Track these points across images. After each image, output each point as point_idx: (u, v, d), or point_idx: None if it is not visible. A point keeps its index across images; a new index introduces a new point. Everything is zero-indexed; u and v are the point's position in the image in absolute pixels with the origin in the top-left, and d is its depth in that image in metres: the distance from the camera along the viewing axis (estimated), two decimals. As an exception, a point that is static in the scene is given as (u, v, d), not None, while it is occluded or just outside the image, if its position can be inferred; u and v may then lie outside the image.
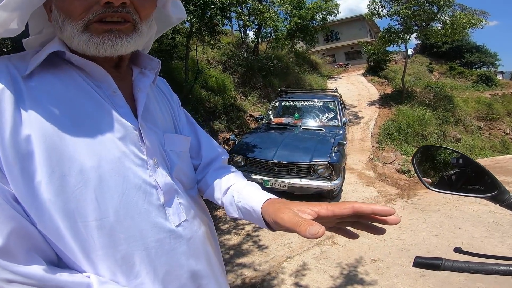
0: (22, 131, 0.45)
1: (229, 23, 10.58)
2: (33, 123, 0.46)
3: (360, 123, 8.25)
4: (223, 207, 0.70)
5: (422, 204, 3.82)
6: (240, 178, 0.71)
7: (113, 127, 0.52)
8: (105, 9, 0.47)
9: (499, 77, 21.28)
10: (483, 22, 9.43)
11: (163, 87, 0.73)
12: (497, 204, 0.63)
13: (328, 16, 16.41)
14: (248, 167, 3.78)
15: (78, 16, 0.48)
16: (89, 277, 0.49)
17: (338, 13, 16.77)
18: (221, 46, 5.31)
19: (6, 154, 0.44)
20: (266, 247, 2.94)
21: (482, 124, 10.72)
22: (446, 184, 0.75)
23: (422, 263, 0.63)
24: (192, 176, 0.71)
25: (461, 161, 0.75)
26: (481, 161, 7.55)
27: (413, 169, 0.87)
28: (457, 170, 0.76)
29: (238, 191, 0.65)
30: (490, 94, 13.30)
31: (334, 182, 3.48)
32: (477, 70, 21.24)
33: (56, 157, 0.46)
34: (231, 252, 2.88)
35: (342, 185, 4.27)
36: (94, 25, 0.48)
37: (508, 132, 10.93)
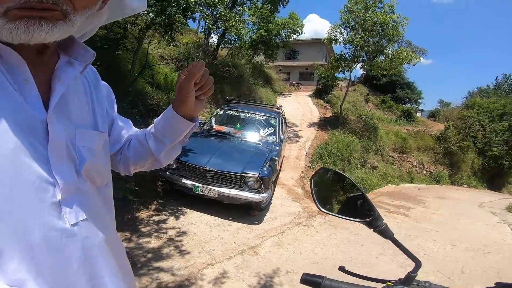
0: None
1: (196, 23, 10.34)
2: None
3: (298, 142, 8.74)
4: (153, 156, 0.75)
5: (336, 221, 4.17)
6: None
7: (16, 118, 0.49)
8: None
9: (419, 114, 23.73)
10: (417, 59, 10.55)
11: (90, 78, 0.70)
12: (371, 229, 0.71)
13: (292, 34, 17.30)
14: (179, 170, 3.73)
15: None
16: None
17: (302, 33, 17.73)
18: (177, 44, 5.18)
19: None
20: (188, 253, 2.92)
21: (396, 155, 12.30)
22: (336, 207, 0.83)
23: (307, 280, 0.70)
24: (107, 173, 0.69)
25: (351, 188, 0.81)
26: (390, 187, 8.79)
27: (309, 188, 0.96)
28: (347, 196, 0.82)
29: (151, 128, 0.74)
30: (407, 129, 15.16)
31: (262, 195, 3.64)
32: (403, 105, 23.31)
33: None
34: (149, 255, 2.80)
35: (271, 199, 4.49)
36: (13, 11, 0.45)
37: (415, 164, 12.94)
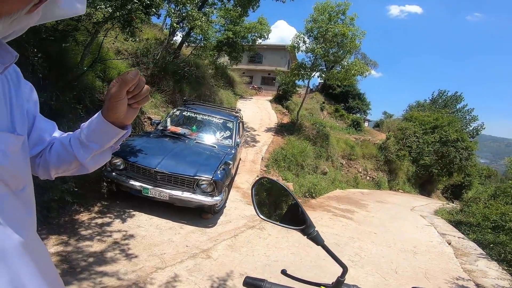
0: None
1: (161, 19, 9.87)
2: None
3: (255, 146, 8.85)
4: (77, 161, 0.72)
5: None
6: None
7: None
8: None
9: (366, 124, 25.52)
10: (368, 72, 11.24)
11: (11, 77, 0.67)
12: (305, 236, 0.75)
13: (258, 38, 17.48)
14: (128, 172, 3.54)
15: None
16: None
17: (267, 38, 17.99)
18: (136, 40, 4.88)
19: None
20: (136, 256, 2.80)
21: (344, 162, 13.22)
22: (274, 214, 0.87)
23: (249, 283, 0.73)
24: (23, 176, 0.66)
25: (287, 197, 0.86)
26: (337, 192, 9.44)
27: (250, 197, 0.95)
28: (287, 205, 0.85)
29: (76, 133, 0.72)
30: (355, 138, 16.36)
31: (216, 198, 3.61)
32: (353, 115, 24.55)
33: None
34: (90, 259, 2.63)
35: (225, 202, 4.50)
36: None
37: (360, 170, 14.13)
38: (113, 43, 5.53)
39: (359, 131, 19.73)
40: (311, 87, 20.42)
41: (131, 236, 3.15)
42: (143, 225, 3.44)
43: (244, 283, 0.75)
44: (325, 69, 12.29)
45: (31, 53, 3.33)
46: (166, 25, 10.80)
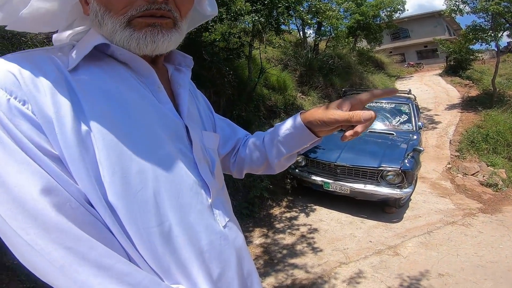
0: (81, 127, 0.41)
1: (292, 22, 10.55)
2: (89, 119, 0.42)
3: (436, 128, 7.36)
4: (268, 162, 0.71)
5: (509, 221, 3.33)
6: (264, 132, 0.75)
7: (164, 124, 0.50)
8: (149, 5, 0.44)
9: None
10: None
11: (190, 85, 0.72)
12: None
13: (393, 13, 15.18)
14: (309, 167, 3.69)
15: (120, 11, 0.45)
16: None
17: (404, 10, 15.53)
18: (282, 44, 5.28)
19: (71, 153, 0.40)
20: (321, 250, 2.88)
21: None
22: None
23: None
24: (222, 175, 0.69)
25: None
26: None
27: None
28: None
29: (272, 131, 0.69)
30: None
31: (405, 190, 3.18)
32: None
33: (115, 155, 0.43)
34: (284, 251, 2.89)
35: (410, 195, 3.88)
36: (137, 19, 0.45)
37: None
38: (264, 53, 6.17)
39: None
40: (501, 49, 15.19)
41: (315, 230, 3.27)
42: (324, 219, 3.50)
43: None
44: (509, 26, 9.15)
45: (225, 71, 4.18)
46: (297, 27, 11.02)
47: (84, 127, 0.41)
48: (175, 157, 0.50)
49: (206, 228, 0.52)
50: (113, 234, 0.43)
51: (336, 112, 0.56)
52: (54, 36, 0.55)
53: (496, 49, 10.17)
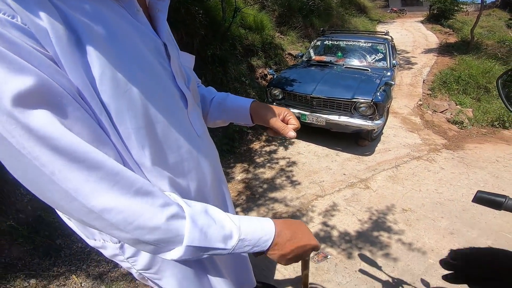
0: (72, 34, 0.42)
1: None
2: (76, 25, 0.42)
3: (412, 68, 7.51)
4: (206, 115, 0.82)
5: (469, 159, 3.50)
6: (216, 91, 0.86)
7: (144, 41, 0.52)
8: None
9: None
10: None
11: None
12: None
13: None
14: (286, 100, 3.72)
15: None
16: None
17: None
18: None
19: (65, 54, 0.40)
20: (299, 183, 2.98)
21: None
22: None
23: (483, 198, 0.59)
24: (198, 96, 0.76)
25: None
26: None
27: (497, 92, 0.81)
28: None
29: (223, 98, 0.82)
30: None
31: (376, 122, 3.30)
32: None
33: (105, 58, 0.44)
34: (265, 186, 2.96)
35: (383, 127, 4.07)
36: None
37: None
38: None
39: None
40: (487, 2, 15.05)
41: (294, 163, 3.37)
42: (302, 152, 3.63)
43: (476, 199, 0.59)
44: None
45: (195, 11, 3.90)
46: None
47: (74, 35, 0.42)
48: (157, 67, 0.54)
49: (186, 134, 0.57)
50: (108, 136, 0.45)
51: (276, 123, 0.75)
52: None
53: (480, 1, 10.01)
